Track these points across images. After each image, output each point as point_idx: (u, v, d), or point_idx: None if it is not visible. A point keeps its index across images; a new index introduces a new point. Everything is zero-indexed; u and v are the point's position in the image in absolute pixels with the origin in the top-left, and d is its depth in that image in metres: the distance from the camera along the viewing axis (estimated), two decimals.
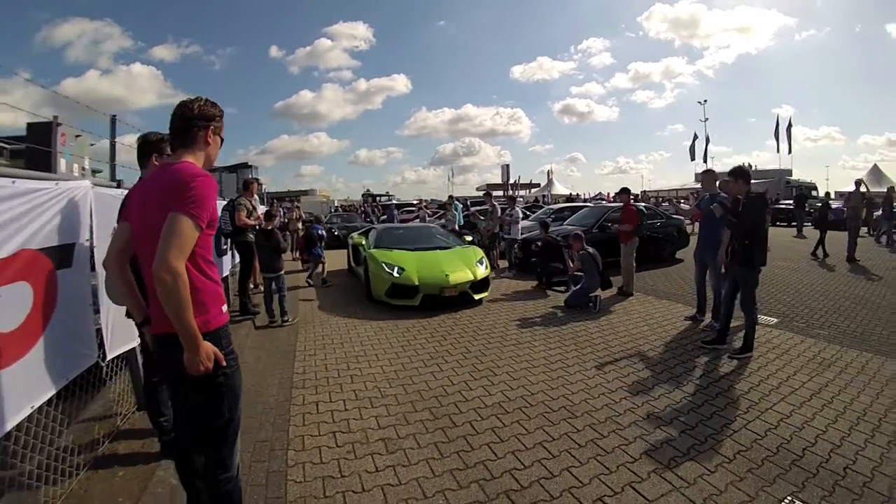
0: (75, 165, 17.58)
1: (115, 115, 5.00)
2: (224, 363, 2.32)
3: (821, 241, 14.96)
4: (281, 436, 4.15)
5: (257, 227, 8.47)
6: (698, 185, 45.24)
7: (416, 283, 9.03)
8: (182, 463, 2.72)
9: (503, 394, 5.01)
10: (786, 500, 3.26)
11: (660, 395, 4.94)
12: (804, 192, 31.17)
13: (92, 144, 15.39)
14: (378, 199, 52.32)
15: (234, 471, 2.57)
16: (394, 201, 43.12)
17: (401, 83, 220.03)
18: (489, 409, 4.66)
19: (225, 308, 2.44)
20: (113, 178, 4.57)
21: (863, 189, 15.56)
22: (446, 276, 9.23)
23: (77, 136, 17.84)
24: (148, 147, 3.57)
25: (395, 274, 9.18)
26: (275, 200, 33.04)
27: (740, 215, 6.21)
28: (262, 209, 9.98)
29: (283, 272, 8.32)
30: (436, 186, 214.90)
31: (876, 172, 42.82)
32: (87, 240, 3.67)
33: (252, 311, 8.56)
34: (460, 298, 9.33)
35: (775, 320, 7.66)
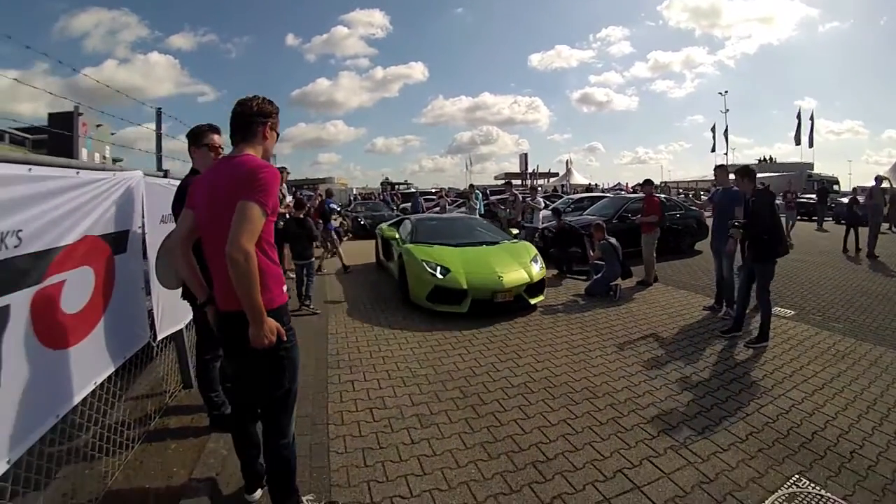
0: (97, 154, 18.05)
1: (160, 108, 5.24)
2: (285, 338, 2.60)
3: (848, 236, 14.96)
4: (321, 412, 4.42)
5: (287, 215, 8.72)
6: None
7: (465, 286, 7.65)
8: (240, 433, 3.02)
9: (528, 375, 5.29)
10: (793, 478, 3.49)
11: (677, 379, 5.19)
12: (826, 186, 30.69)
13: (113, 133, 15.78)
14: (397, 187, 52.25)
15: (291, 438, 2.88)
16: (412, 189, 43.23)
17: (418, 71, 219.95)
18: (515, 388, 4.94)
19: (285, 288, 2.73)
20: (160, 168, 4.81)
21: (885, 185, 15.52)
22: (499, 277, 7.84)
23: (98, 125, 18.29)
24: (190, 139, 3.83)
25: (439, 275, 7.78)
26: (294, 188, 33.27)
27: (753, 215, 6.37)
28: (290, 197, 10.28)
29: (313, 259, 8.64)
30: (453, 175, 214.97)
31: None
32: (139, 227, 3.95)
33: None
34: (514, 304, 7.95)
35: (792, 312, 7.82)
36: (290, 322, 2.71)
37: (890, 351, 6.12)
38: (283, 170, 9.66)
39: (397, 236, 10.17)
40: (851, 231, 14.99)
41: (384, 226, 12.03)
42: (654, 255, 10.28)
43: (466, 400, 4.68)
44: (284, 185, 9.50)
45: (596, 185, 48.18)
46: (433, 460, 3.67)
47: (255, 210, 2.38)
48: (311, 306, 8.25)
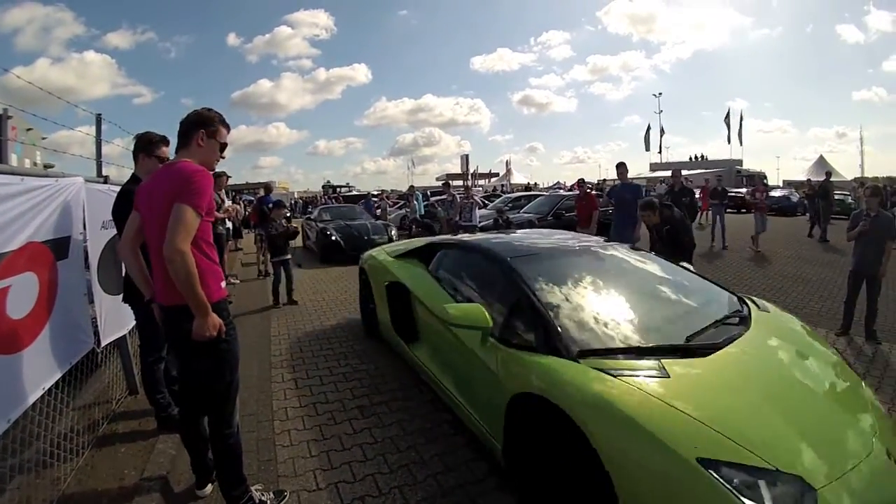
0: (27, 160, 17.36)
1: (100, 114, 5.17)
2: (225, 331, 2.77)
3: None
4: (266, 409, 4.55)
5: (227, 219, 8.79)
6: (652, 175, 47.03)
7: None
8: (187, 427, 3.15)
9: None
10: None
11: None
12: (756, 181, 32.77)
13: (44, 138, 15.25)
14: (339, 190, 51.85)
15: (235, 428, 3.04)
16: (354, 192, 43.09)
17: (361, 73, 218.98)
18: None
19: (223, 284, 2.90)
20: (99, 174, 4.81)
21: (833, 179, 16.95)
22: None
23: (28, 129, 17.66)
24: (140, 145, 3.88)
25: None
26: (234, 193, 32.68)
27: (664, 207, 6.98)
28: (228, 202, 10.25)
29: (289, 256, 9.00)
30: (396, 177, 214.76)
31: (821, 163, 45.57)
32: (80, 233, 3.98)
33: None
34: None
35: None
36: (230, 316, 2.87)
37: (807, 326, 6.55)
38: (220, 175, 9.54)
39: (434, 293, 4.70)
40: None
41: (386, 255, 6.26)
42: None
43: (407, 391, 4.87)
44: (223, 190, 9.35)
45: (535, 184, 49.27)
46: (374, 446, 3.86)
47: (189, 213, 2.54)
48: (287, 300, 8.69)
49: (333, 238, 13.57)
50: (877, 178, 19.40)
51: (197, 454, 3.21)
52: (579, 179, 12.90)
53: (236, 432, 3.03)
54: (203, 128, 2.86)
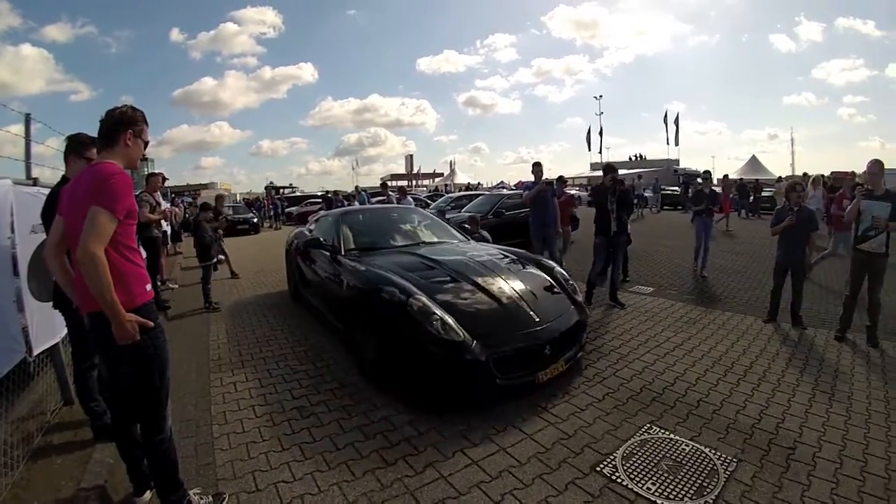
0: None
1: (28, 114, 5.02)
2: (150, 332, 2.73)
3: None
4: (204, 414, 4.49)
5: (162, 221, 8.61)
6: (594, 174, 48.24)
7: None
8: (121, 435, 3.10)
9: None
10: (645, 427, 3.95)
11: None
12: (688, 179, 34.90)
13: None
14: (282, 191, 51.11)
15: (168, 433, 2.98)
16: (298, 193, 42.69)
17: (307, 72, 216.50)
18: None
19: (149, 287, 2.84)
20: (29, 176, 4.69)
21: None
22: None
23: None
24: (71, 147, 3.75)
25: None
26: (174, 195, 31.90)
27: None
28: (165, 204, 10.04)
29: (216, 260, 9.24)
30: (340, 177, 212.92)
31: (753, 162, 49.69)
32: (8, 237, 3.88)
33: (163, 306, 8.56)
34: None
35: (651, 289, 8.57)
36: (157, 319, 2.82)
37: (736, 315, 6.90)
38: (154, 175, 9.32)
39: None
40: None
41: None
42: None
43: (344, 389, 4.88)
44: (157, 193, 9.08)
45: (479, 184, 49.92)
46: (313, 445, 3.86)
47: (103, 216, 2.50)
48: (212, 304, 8.57)
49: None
50: (823, 175, 20.55)
51: (132, 461, 3.15)
52: (559, 176, 13.52)
53: (169, 437, 2.99)
54: (130, 127, 2.81)
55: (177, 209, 15.24)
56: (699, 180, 12.18)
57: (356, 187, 23.14)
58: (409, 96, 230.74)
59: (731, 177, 23.33)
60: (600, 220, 7.82)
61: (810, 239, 6.98)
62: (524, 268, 5.84)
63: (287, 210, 33.67)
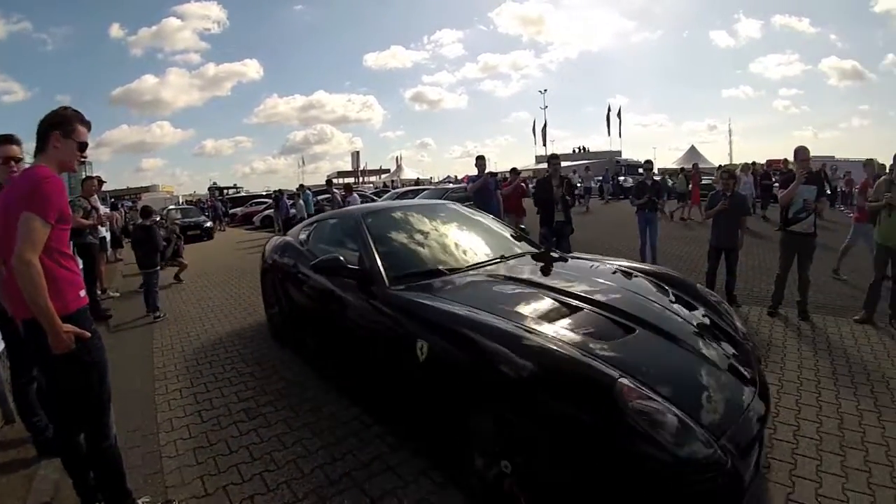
0: None
1: None
2: (86, 340, 2.73)
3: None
4: (150, 423, 4.49)
5: (99, 226, 8.44)
6: (539, 167, 48.94)
7: None
8: (65, 447, 3.08)
9: None
10: None
11: None
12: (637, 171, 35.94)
13: None
14: (226, 192, 50.06)
15: (114, 440, 3.02)
16: (243, 193, 41.95)
17: (252, 69, 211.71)
18: None
19: (83, 293, 2.85)
20: None
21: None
22: None
23: None
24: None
25: None
26: (113, 199, 31.02)
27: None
28: (104, 209, 9.81)
29: (158, 268, 8.60)
30: (286, 176, 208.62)
31: (692, 152, 51.32)
32: None
33: (104, 315, 8.32)
34: None
35: None
36: (92, 325, 2.84)
37: None
38: (88, 179, 9.10)
39: None
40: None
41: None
42: None
43: (291, 388, 4.96)
44: (94, 197, 8.84)
45: (431, 178, 50.71)
46: (261, 446, 3.94)
47: (35, 222, 2.51)
48: (160, 315, 8.18)
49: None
50: (754, 162, 21.70)
51: (78, 474, 3.13)
52: (512, 168, 13.66)
53: (114, 444, 3.02)
54: (57, 129, 2.77)
55: (117, 214, 14.89)
56: (640, 171, 11.95)
57: (300, 185, 22.78)
58: (356, 92, 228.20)
59: (674, 167, 23.93)
60: (544, 211, 8.09)
61: (742, 222, 7.43)
62: (690, 301, 3.98)
63: (231, 211, 33.07)
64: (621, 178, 34.53)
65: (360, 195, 16.59)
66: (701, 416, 2.54)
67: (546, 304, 3.47)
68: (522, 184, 12.42)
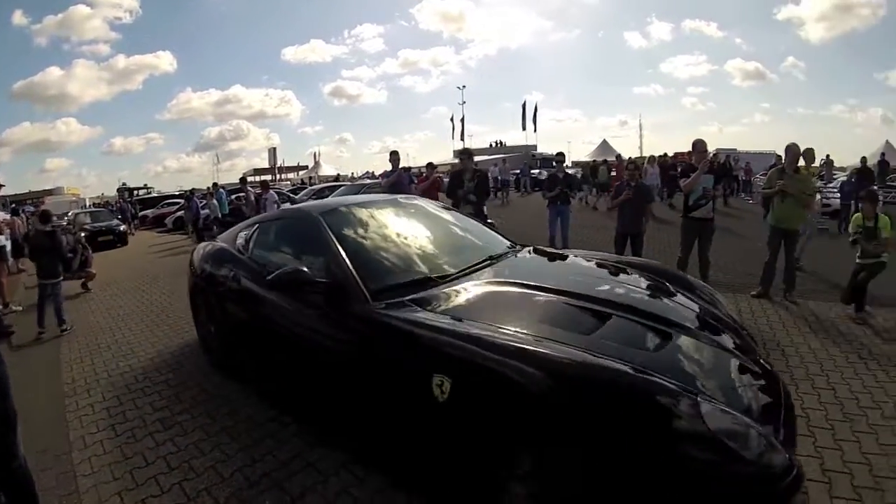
0: None
1: None
2: None
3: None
4: (61, 442, 4.36)
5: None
6: (456, 162, 49.61)
7: None
8: None
9: None
10: None
11: None
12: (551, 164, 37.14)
13: None
14: (136, 192, 48.00)
15: (22, 459, 2.92)
16: (154, 194, 40.54)
17: (165, 61, 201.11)
18: None
19: None
20: None
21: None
22: None
23: None
24: None
25: None
26: (14, 204, 29.22)
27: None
28: (3, 215, 9.39)
29: (62, 277, 8.13)
30: (201, 174, 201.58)
31: (604, 146, 54.68)
32: None
33: (6, 331, 7.91)
34: None
35: None
36: None
37: None
38: None
39: None
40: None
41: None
42: None
43: (206, 394, 4.93)
44: None
45: (353, 174, 50.99)
46: (179, 455, 3.91)
47: None
48: (66, 328, 7.80)
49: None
50: (665, 154, 23.40)
51: None
52: (429, 163, 13.95)
53: (24, 464, 2.94)
54: None
55: (18, 220, 14.17)
56: (553, 164, 11.85)
57: (214, 184, 21.77)
58: (274, 87, 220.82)
59: (586, 160, 25.21)
60: (455, 205, 8.24)
61: (646, 209, 8.10)
62: (689, 295, 3.95)
63: (142, 213, 31.58)
64: (535, 171, 35.44)
65: (276, 193, 16.28)
66: (760, 421, 2.42)
67: (571, 313, 3.16)
68: (439, 177, 12.62)
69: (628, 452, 2.14)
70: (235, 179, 46.67)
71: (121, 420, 4.62)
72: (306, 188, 26.96)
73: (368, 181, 20.64)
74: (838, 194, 15.04)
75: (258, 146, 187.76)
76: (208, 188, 22.03)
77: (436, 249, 4.29)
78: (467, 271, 3.85)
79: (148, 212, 31.33)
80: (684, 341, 2.96)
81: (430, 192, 11.30)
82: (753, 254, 8.82)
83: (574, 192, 10.52)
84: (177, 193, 35.48)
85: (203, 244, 6.41)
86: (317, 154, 69.69)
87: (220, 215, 16.68)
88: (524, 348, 2.56)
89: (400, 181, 10.31)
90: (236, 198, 18.76)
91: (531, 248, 4.75)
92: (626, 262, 4.67)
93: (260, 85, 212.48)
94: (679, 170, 8.74)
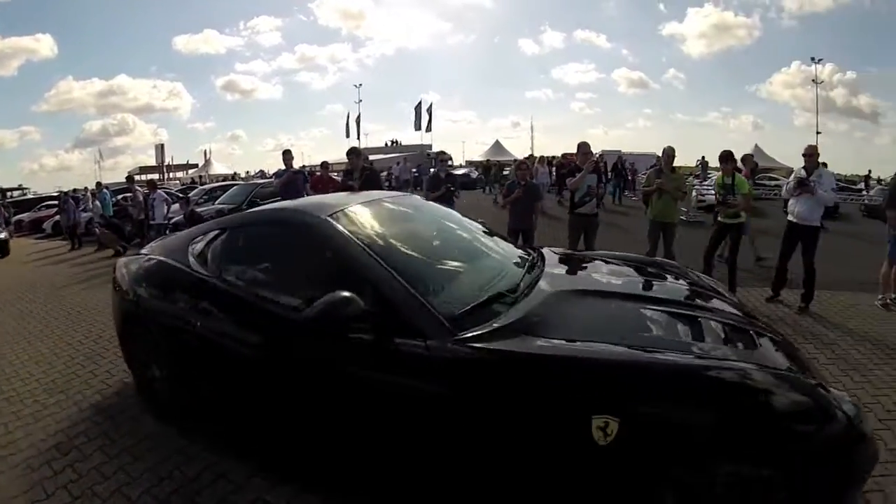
0: None
1: None
2: None
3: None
4: None
5: None
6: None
7: None
8: None
9: None
10: None
11: None
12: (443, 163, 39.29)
13: None
14: (9, 194, 44.24)
15: None
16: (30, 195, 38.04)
17: (45, 45, 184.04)
18: None
19: None
20: None
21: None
22: None
23: None
24: None
25: None
26: None
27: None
28: None
29: None
30: (82, 173, 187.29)
31: (497, 146, 59.25)
32: None
33: None
34: None
35: None
36: None
37: None
38: None
39: None
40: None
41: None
42: None
43: (103, 414, 4.72)
44: None
45: (248, 172, 50.29)
46: (81, 483, 3.72)
47: None
48: None
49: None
50: (555, 156, 25.38)
51: None
52: (323, 162, 14.21)
53: None
54: None
55: None
56: (439, 162, 11.62)
57: (98, 183, 20.16)
58: (163, 78, 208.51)
59: (480, 159, 26.89)
60: None
61: (536, 207, 8.74)
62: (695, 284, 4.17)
63: (16, 217, 28.75)
64: (433, 169, 36.18)
65: (165, 192, 15.60)
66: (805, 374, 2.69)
67: (668, 319, 3.03)
68: (333, 175, 12.71)
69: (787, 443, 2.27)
70: (119, 179, 44.08)
71: (12, 451, 4.31)
72: (196, 188, 26.02)
73: (261, 181, 20.19)
74: (712, 191, 16.61)
75: (144, 142, 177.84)
76: (87, 188, 20.83)
77: (476, 257, 3.92)
78: (528, 282, 3.41)
79: (24, 216, 28.75)
80: (759, 334, 3.08)
81: (325, 192, 11.36)
82: (635, 245, 9.07)
83: (457, 191, 10.52)
84: (55, 194, 33.27)
85: (131, 258, 5.08)
86: (207, 151, 67.37)
87: (103, 216, 15.84)
88: (693, 367, 2.53)
89: (293, 181, 10.27)
90: (122, 198, 17.82)
91: (544, 248, 4.49)
92: (636, 258, 4.82)
93: (148, 76, 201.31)
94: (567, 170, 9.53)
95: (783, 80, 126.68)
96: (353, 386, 2.97)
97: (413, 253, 3.50)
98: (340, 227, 3.34)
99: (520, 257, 3.97)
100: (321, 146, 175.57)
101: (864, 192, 27.83)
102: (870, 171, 39.67)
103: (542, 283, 3.39)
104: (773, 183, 26.35)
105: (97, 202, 16.73)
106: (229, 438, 3.98)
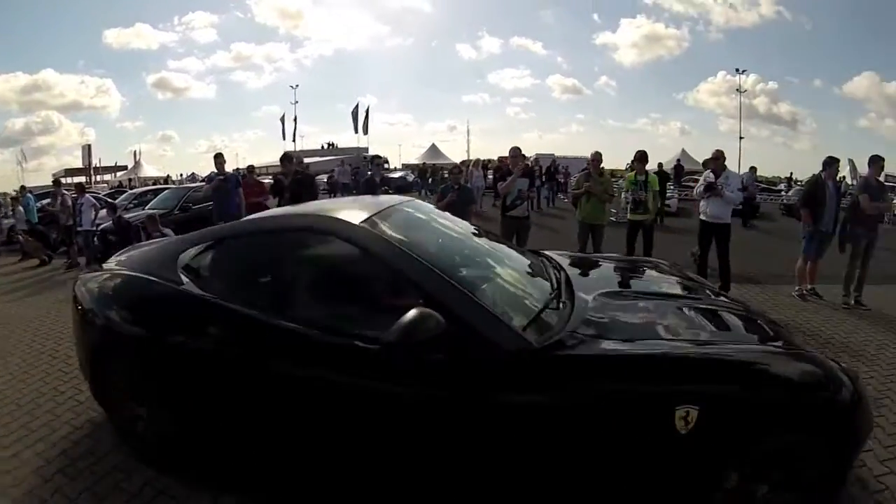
0: None
1: None
2: None
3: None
4: None
5: None
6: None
7: None
8: None
9: None
10: None
11: None
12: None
13: None
14: None
15: None
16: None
17: None
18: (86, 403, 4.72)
19: None
20: None
21: None
22: None
23: None
24: None
25: None
26: None
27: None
28: None
29: None
30: (3, 174, 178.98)
31: (433, 149, 60.68)
32: None
33: None
34: None
35: None
36: None
37: None
38: None
39: None
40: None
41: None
42: None
43: (35, 433, 4.36)
44: None
45: (181, 175, 49.64)
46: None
47: None
48: None
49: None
50: (492, 159, 25.94)
51: None
52: (249, 166, 14.36)
53: None
54: None
55: None
56: (374, 166, 12.40)
57: (22, 187, 19.21)
58: (91, 74, 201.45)
59: (416, 162, 27.37)
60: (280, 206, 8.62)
61: (470, 210, 8.78)
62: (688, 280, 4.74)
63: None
64: (370, 172, 36.88)
65: (94, 197, 14.91)
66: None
67: (695, 314, 3.40)
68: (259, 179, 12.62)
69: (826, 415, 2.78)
70: (44, 181, 42.34)
71: None
72: (125, 191, 25.48)
73: (192, 184, 19.70)
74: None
75: (71, 142, 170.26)
76: (6, 194, 19.78)
77: (518, 264, 3.86)
78: (566, 288, 3.42)
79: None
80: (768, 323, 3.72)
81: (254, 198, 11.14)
82: (566, 246, 9.28)
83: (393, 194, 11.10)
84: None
85: (94, 275, 4.31)
86: (137, 153, 65.60)
87: (26, 226, 14.94)
88: (752, 354, 3.02)
89: (224, 188, 10.14)
90: (48, 203, 16.97)
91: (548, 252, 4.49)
92: (632, 259, 5.69)
93: (75, 71, 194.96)
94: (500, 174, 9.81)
95: (709, 88, 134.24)
96: (439, 418, 2.71)
97: (462, 263, 3.44)
98: (386, 236, 3.13)
99: (532, 262, 3.97)
100: (256, 148, 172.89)
101: (784, 193, 30.62)
102: (791, 173, 43.69)
103: (578, 290, 3.39)
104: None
105: (20, 207, 15.59)
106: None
